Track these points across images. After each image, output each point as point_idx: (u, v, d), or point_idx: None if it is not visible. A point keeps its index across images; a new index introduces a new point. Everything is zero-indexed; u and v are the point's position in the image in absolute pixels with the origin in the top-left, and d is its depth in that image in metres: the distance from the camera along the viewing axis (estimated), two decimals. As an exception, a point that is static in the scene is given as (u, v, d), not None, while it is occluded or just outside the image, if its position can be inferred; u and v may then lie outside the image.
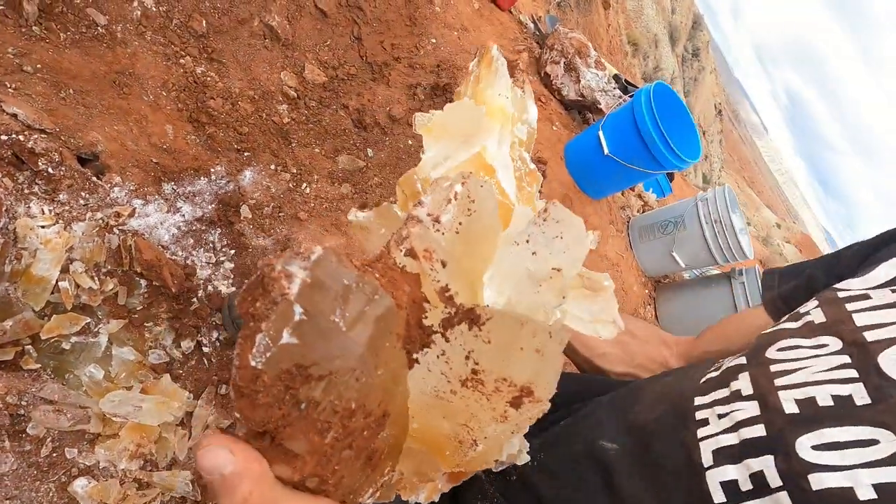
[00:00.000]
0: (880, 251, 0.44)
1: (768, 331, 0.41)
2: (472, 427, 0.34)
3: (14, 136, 1.09)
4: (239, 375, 0.22)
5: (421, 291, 0.31)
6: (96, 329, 1.16)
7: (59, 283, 1.08)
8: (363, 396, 0.26)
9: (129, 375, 1.17)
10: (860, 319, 0.36)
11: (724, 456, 0.34)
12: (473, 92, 0.51)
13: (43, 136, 1.14)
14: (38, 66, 1.29)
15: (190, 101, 1.63)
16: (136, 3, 1.53)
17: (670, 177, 3.75)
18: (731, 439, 0.34)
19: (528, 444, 0.41)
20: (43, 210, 1.11)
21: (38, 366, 1.05)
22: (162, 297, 1.28)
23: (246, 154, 1.70)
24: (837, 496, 0.28)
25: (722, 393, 0.37)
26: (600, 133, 2.00)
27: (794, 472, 0.30)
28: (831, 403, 0.31)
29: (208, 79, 1.70)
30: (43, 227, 1.09)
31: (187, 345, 1.29)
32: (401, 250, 0.31)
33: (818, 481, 0.29)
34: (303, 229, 1.66)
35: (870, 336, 0.34)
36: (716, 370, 0.42)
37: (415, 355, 0.31)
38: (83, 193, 1.20)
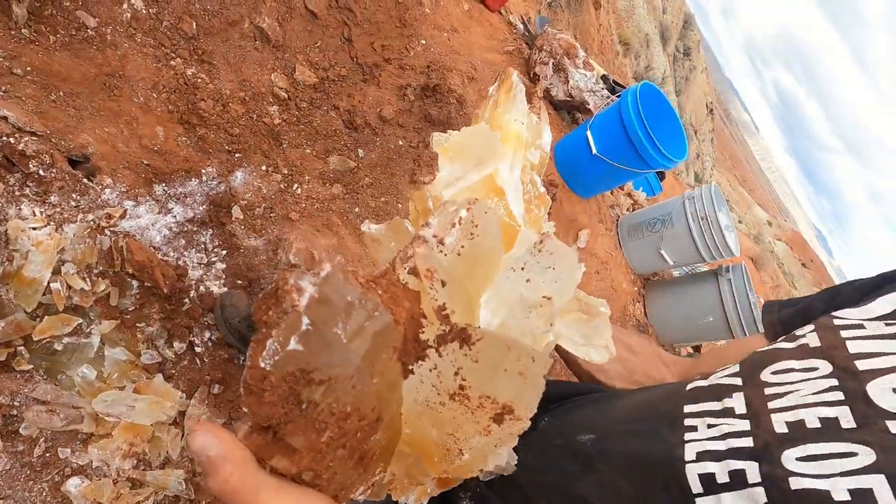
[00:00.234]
0: (881, 288, 0.45)
1: (764, 349, 0.42)
2: (458, 437, 0.36)
3: (4, 138, 1.10)
4: (249, 374, 0.24)
5: (420, 308, 0.33)
6: (88, 330, 1.17)
7: (51, 285, 1.09)
8: (358, 402, 0.28)
9: (121, 375, 1.18)
10: (853, 347, 0.37)
11: (708, 456, 0.35)
12: (491, 116, 0.54)
13: (34, 138, 1.14)
14: (28, 68, 1.29)
15: (180, 103, 1.64)
16: (125, 6, 1.54)
17: (661, 176, 3.79)
18: (719, 446, 0.35)
19: (516, 457, 0.43)
20: (34, 212, 1.12)
21: (31, 367, 1.06)
22: (154, 298, 1.29)
23: (237, 155, 1.71)
24: (814, 496, 0.29)
25: (713, 405, 0.38)
26: (588, 133, 2.03)
27: (776, 476, 0.31)
28: (819, 425, 0.32)
29: (199, 80, 1.70)
30: (34, 228, 1.10)
31: (179, 345, 1.30)
32: (405, 268, 0.34)
33: (797, 483, 0.30)
34: (294, 230, 1.67)
35: (861, 364, 0.35)
36: (702, 378, 0.43)
37: (410, 366, 0.33)
38: (74, 195, 1.21)
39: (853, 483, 0.29)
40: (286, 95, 1.88)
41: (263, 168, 1.75)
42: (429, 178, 1.93)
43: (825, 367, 0.36)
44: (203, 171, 1.59)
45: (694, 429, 0.37)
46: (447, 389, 0.34)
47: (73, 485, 1.03)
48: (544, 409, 0.56)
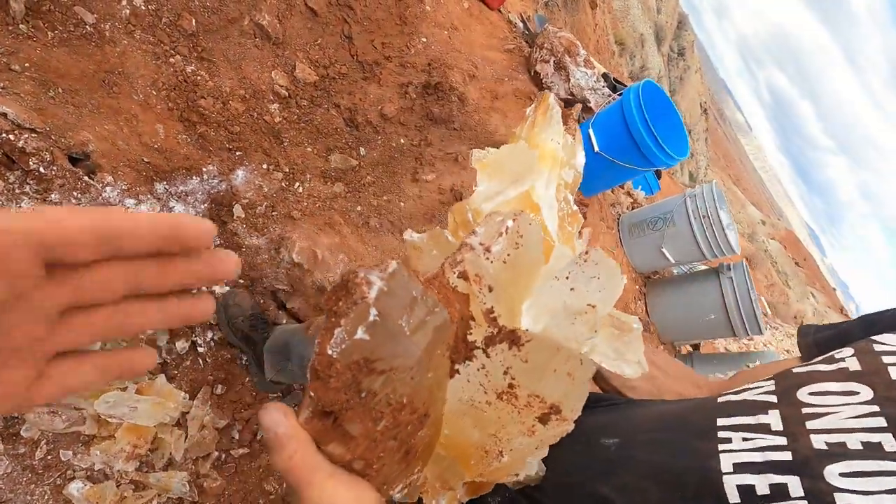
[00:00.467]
0: None
1: (800, 370, 0.41)
2: (500, 438, 0.37)
3: (4, 135, 1.08)
4: (317, 361, 0.26)
5: (469, 310, 0.35)
6: (89, 330, 1.15)
7: (52, 284, 1.07)
8: (413, 394, 0.30)
9: (123, 376, 1.16)
10: (895, 373, 0.36)
11: (745, 468, 0.34)
12: (528, 135, 0.57)
13: (33, 135, 1.12)
14: (27, 64, 1.27)
15: (180, 101, 1.62)
16: (124, 2, 1.52)
17: (658, 174, 3.80)
18: (756, 457, 0.34)
19: (545, 468, 0.45)
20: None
21: (32, 368, 1.04)
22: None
23: (238, 153, 1.69)
24: None
25: (747, 420, 0.38)
26: (590, 131, 2.02)
27: (819, 490, 0.30)
28: (861, 448, 0.32)
29: (199, 78, 1.69)
30: (34, 227, 1.08)
31: (182, 345, 1.28)
32: (454, 272, 0.36)
33: (843, 499, 0.29)
34: (296, 228, 1.66)
35: None
36: (734, 393, 0.43)
37: (456, 366, 0.35)
38: (75, 193, 1.19)
39: None
40: (287, 93, 1.86)
41: (265, 166, 1.74)
42: (431, 177, 1.92)
43: (866, 392, 0.36)
44: (204, 169, 1.57)
45: (728, 440, 0.37)
46: (495, 388, 0.35)
47: (76, 488, 1.02)
48: None
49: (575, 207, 0.60)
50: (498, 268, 0.38)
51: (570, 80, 2.24)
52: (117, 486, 1.06)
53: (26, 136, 1.11)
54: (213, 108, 1.70)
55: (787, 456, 0.33)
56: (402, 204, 1.90)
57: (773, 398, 0.39)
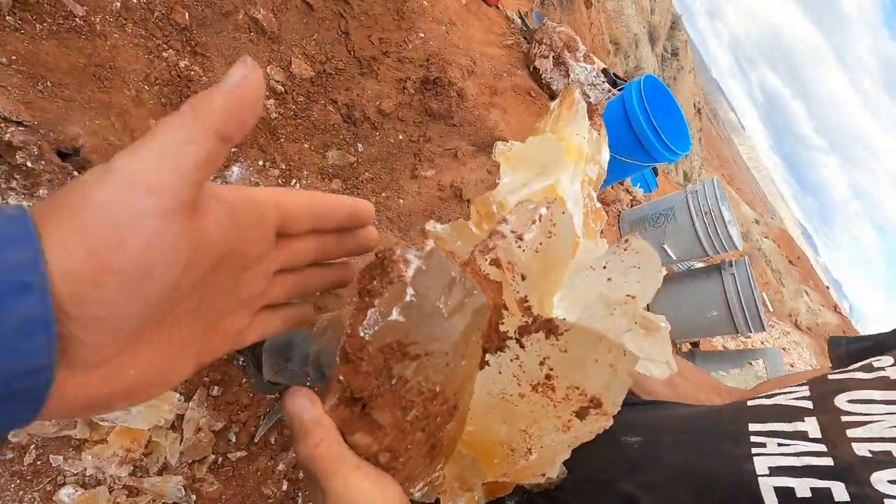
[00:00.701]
0: None
1: (836, 377, 0.40)
2: (531, 434, 0.35)
3: (-11, 128, 1.04)
4: (348, 343, 0.25)
5: (501, 299, 0.33)
6: (80, 330, 1.11)
7: (41, 283, 1.04)
8: (446, 382, 0.28)
9: (116, 378, 1.12)
10: None
11: (783, 472, 0.32)
12: (553, 129, 0.56)
13: (20, 128, 1.09)
14: (13, 57, 1.23)
15: (173, 96, 1.58)
16: (115, -6, 1.48)
17: (655, 172, 3.79)
18: (794, 462, 0.33)
19: (566, 471, 0.43)
20: (22, 206, 1.06)
21: (20, 369, 1.00)
22: (149, 297, 1.23)
23: (233, 149, 1.66)
24: None
25: (783, 426, 0.36)
26: (591, 126, 2.00)
27: (867, 496, 0.29)
28: None
29: (192, 73, 1.65)
30: (22, 224, 1.04)
31: (176, 345, 1.24)
32: (486, 259, 0.34)
33: None
34: (293, 226, 1.63)
35: None
36: (765, 397, 0.41)
37: (486, 357, 0.33)
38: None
39: None
40: (283, 89, 1.83)
41: (260, 163, 1.70)
42: (430, 173, 1.89)
43: None
44: (198, 165, 1.53)
45: (762, 445, 0.35)
46: (530, 380, 0.33)
47: (67, 494, 0.98)
48: None
49: (599, 205, 0.58)
50: (529, 257, 0.36)
51: (569, 75, 2.21)
52: (110, 492, 1.02)
53: (13, 129, 1.07)
54: (208, 104, 1.66)
55: (828, 461, 0.31)
56: (400, 201, 1.87)
57: (809, 404, 0.37)
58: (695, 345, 2.97)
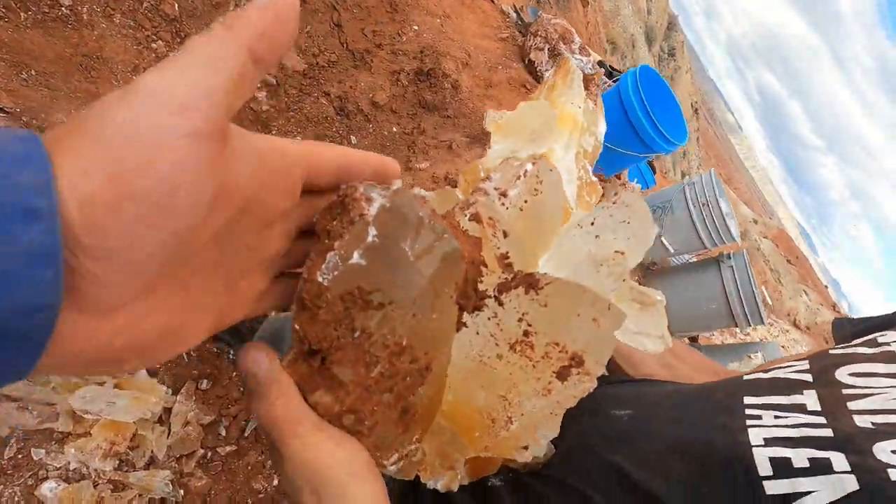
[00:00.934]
0: None
1: (838, 351, 0.39)
2: (510, 400, 0.33)
3: (-31, 114, 1.01)
4: (305, 289, 0.23)
5: (480, 255, 0.31)
6: (65, 322, 1.09)
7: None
8: (414, 337, 0.26)
9: (101, 371, 1.10)
10: None
11: (779, 442, 0.31)
12: (548, 98, 0.54)
13: (1, 114, 1.06)
14: (-3, 44, 1.21)
15: (163, 87, 1.56)
16: (102, -17, 1.46)
17: (652, 168, 3.78)
18: (791, 433, 0.31)
19: (553, 448, 0.41)
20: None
21: (0, 361, 0.98)
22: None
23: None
24: None
25: (780, 399, 0.35)
26: (587, 118, 1.98)
27: (869, 466, 0.27)
28: None
29: (182, 64, 1.63)
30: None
31: (164, 338, 1.22)
32: (465, 215, 0.32)
33: None
34: (285, 218, 1.60)
35: None
36: (763, 372, 0.40)
37: (464, 318, 0.30)
38: (48, 178, 1.13)
39: None
40: (275, 81, 1.81)
41: (252, 155, 1.68)
42: (424, 165, 1.87)
43: None
44: (188, 156, 1.51)
45: (758, 417, 0.34)
46: (508, 338, 0.30)
47: (49, 488, 0.95)
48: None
49: (594, 178, 0.57)
50: (514, 215, 0.34)
51: (564, 68, 2.20)
52: (94, 486, 0.99)
53: (-6, 115, 1.05)
54: (198, 96, 1.64)
55: (827, 432, 0.30)
56: (395, 193, 1.86)
57: (809, 377, 0.36)
58: (693, 339, 2.94)
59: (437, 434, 0.35)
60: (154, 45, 1.58)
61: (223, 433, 1.23)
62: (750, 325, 2.16)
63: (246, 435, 1.24)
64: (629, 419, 0.42)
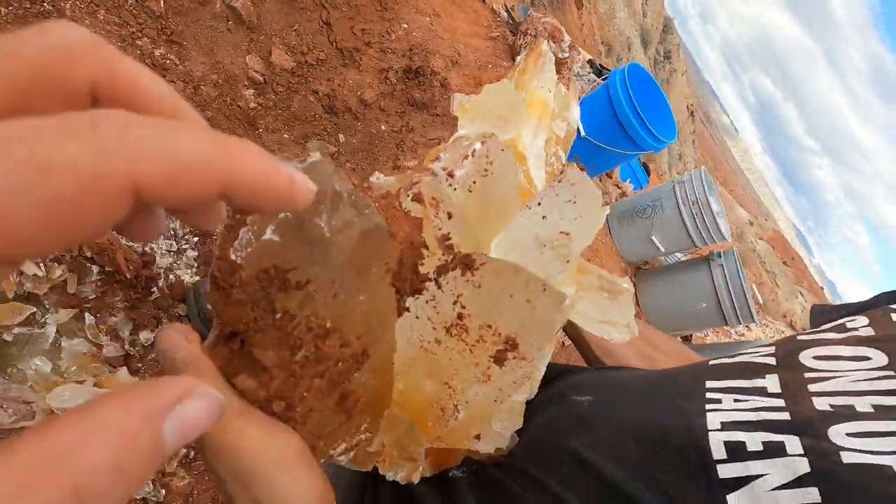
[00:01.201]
0: None
1: (805, 337, 0.38)
2: (454, 387, 0.32)
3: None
4: (217, 267, 0.22)
5: (421, 236, 0.30)
6: (43, 319, 1.07)
7: (-2, 268, 1.00)
8: (340, 318, 0.25)
9: (80, 369, 1.08)
10: None
11: (735, 426, 0.31)
12: (517, 81, 0.52)
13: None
14: (-24, 40, 1.20)
15: (148, 84, 1.55)
16: (86, -21, 1.45)
17: (646, 168, 3.78)
18: (748, 416, 0.31)
19: (517, 438, 0.40)
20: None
21: (-25, 358, 0.96)
22: (117, 285, 1.19)
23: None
24: (869, 470, 0.25)
25: (741, 383, 0.35)
26: (576, 117, 1.98)
27: (822, 449, 0.27)
28: (871, 411, 0.29)
29: (168, 62, 1.62)
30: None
31: (146, 336, 1.20)
32: (408, 195, 0.31)
33: (851, 457, 0.26)
34: (272, 216, 1.59)
35: None
36: (728, 357, 0.40)
37: (405, 303, 0.29)
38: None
39: None
40: (262, 79, 1.80)
41: (238, 153, 1.67)
42: (413, 163, 1.86)
43: (880, 357, 0.33)
44: (172, 154, 1.50)
45: (717, 401, 0.34)
46: (444, 321, 0.29)
47: (24, 487, 0.94)
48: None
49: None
50: (462, 196, 0.33)
51: (554, 66, 2.19)
52: (71, 486, 0.98)
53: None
54: (184, 93, 1.63)
55: (784, 416, 0.30)
56: (383, 192, 1.85)
57: (772, 360, 0.36)
58: (686, 339, 2.94)
59: (395, 425, 0.34)
60: (139, 42, 1.57)
61: (205, 432, 1.21)
62: (741, 324, 2.16)
63: (228, 433, 1.23)
64: (589, 405, 0.41)
